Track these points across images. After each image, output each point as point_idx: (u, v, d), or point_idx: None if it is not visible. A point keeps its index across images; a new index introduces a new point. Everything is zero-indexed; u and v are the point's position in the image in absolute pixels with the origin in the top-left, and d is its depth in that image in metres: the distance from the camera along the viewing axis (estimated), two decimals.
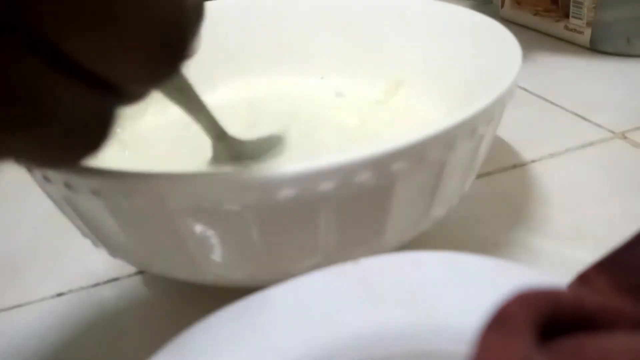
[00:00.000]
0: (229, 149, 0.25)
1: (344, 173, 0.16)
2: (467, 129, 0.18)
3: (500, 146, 0.33)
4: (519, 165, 0.31)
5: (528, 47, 0.46)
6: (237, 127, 0.27)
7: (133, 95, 0.13)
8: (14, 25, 0.10)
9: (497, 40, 0.26)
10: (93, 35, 0.11)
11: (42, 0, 0.10)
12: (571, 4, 0.46)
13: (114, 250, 0.21)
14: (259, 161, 0.25)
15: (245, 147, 0.25)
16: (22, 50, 0.10)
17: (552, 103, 0.38)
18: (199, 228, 0.17)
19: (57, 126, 0.11)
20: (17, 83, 0.11)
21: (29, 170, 0.18)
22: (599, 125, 0.35)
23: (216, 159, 0.25)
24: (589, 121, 0.35)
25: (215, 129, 0.24)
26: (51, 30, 0.10)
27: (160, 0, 0.11)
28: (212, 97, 0.32)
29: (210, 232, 0.18)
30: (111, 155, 0.27)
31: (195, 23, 0.13)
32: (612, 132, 0.34)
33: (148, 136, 0.30)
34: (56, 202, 0.20)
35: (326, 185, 0.16)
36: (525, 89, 0.40)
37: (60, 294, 0.25)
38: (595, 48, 0.46)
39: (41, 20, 0.10)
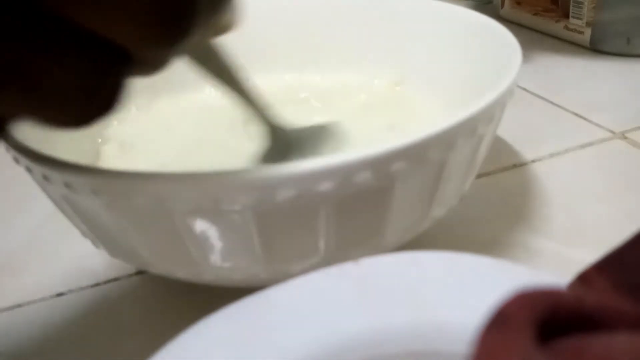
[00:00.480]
0: (278, 137, 0.24)
1: (344, 173, 0.16)
2: (467, 129, 0.18)
3: (500, 146, 0.33)
4: (519, 165, 0.31)
5: (528, 47, 0.46)
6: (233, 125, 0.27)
7: (148, 62, 0.13)
8: None
9: (497, 40, 0.26)
10: None
11: None
12: (571, 4, 0.46)
13: (114, 250, 0.21)
14: (307, 151, 0.25)
15: (294, 135, 0.25)
16: (22, 17, 0.11)
17: (552, 103, 0.38)
18: (198, 228, 0.17)
19: (62, 89, 0.12)
20: (19, 49, 0.11)
21: (29, 170, 0.18)
22: (599, 125, 0.35)
23: (265, 147, 0.24)
24: (589, 121, 0.35)
25: (263, 116, 0.23)
26: None
27: None
28: (207, 94, 0.32)
29: (210, 232, 0.18)
30: (113, 155, 0.27)
31: None
32: (612, 132, 0.34)
33: (148, 136, 0.30)
34: (56, 202, 0.20)
35: (326, 186, 0.16)
36: (525, 89, 0.40)
37: (60, 294, 0.25)
38: (595, 48, 0.46)
39: None
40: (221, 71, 0.21)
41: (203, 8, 0.13)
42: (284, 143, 0.24)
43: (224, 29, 0.16)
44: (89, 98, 0.12)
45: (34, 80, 0.11)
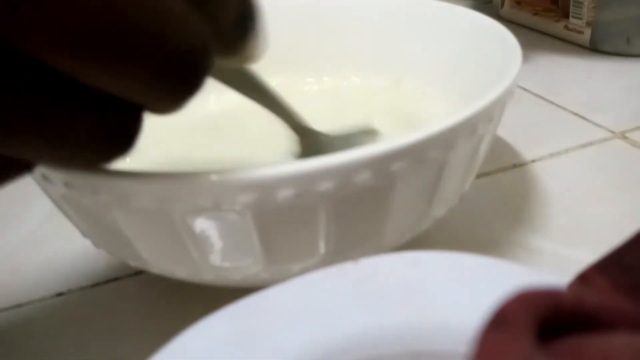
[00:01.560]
0: (313, 144, 0.24)
1: (344, 173, 0.16)
2: (467, 129, 0.18)
3: (500, 146, 0.33)
4: (519, 165, 0.31)
5: (528, 47, 0.46)
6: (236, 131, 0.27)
7: (157, 108, 0.13)
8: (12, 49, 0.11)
9: (497, 40, 0.26)
10: (89, 61, 0.11)
11: (38, 30, 0.11)
12: (571, 3, 0.46)
13: (114, 250, 0.21)
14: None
15: (332, 141, 0.24)
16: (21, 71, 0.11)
17: (552, 103, 0.38)
18: (198, 228, 0.17)
19: (74, 137, 0.12)
20: (31, 102, 0.12)
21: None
22: (599, 125, 0.35)
23: (301, 156, 0.24)
24: (589, 121, 0.35)
25: (295, 124, 0.23)
26: (54, 59, 0.11)
27: (160, 24, 0.11)
28: (212, 101, 0.32)
29: (210, 232, 0.18)
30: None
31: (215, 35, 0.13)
32: (612, 132, 0.34)
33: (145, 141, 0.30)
34: (56, 202, 0.20)
35: (325, 185, 0.16)
36: (525, 89, 0.40)
37: (60, 294, 0.25)
38: (595, 48, 0.46)
39: (41, 48, 0.11)
40: (249, 86, 0.21)
41: (217, 52, 0.13)
42: (317, 148, 0.24)
43: (248, 59, 0.17)
44: (103, 144, 0.13)
45: (53, 129, 0.12)
